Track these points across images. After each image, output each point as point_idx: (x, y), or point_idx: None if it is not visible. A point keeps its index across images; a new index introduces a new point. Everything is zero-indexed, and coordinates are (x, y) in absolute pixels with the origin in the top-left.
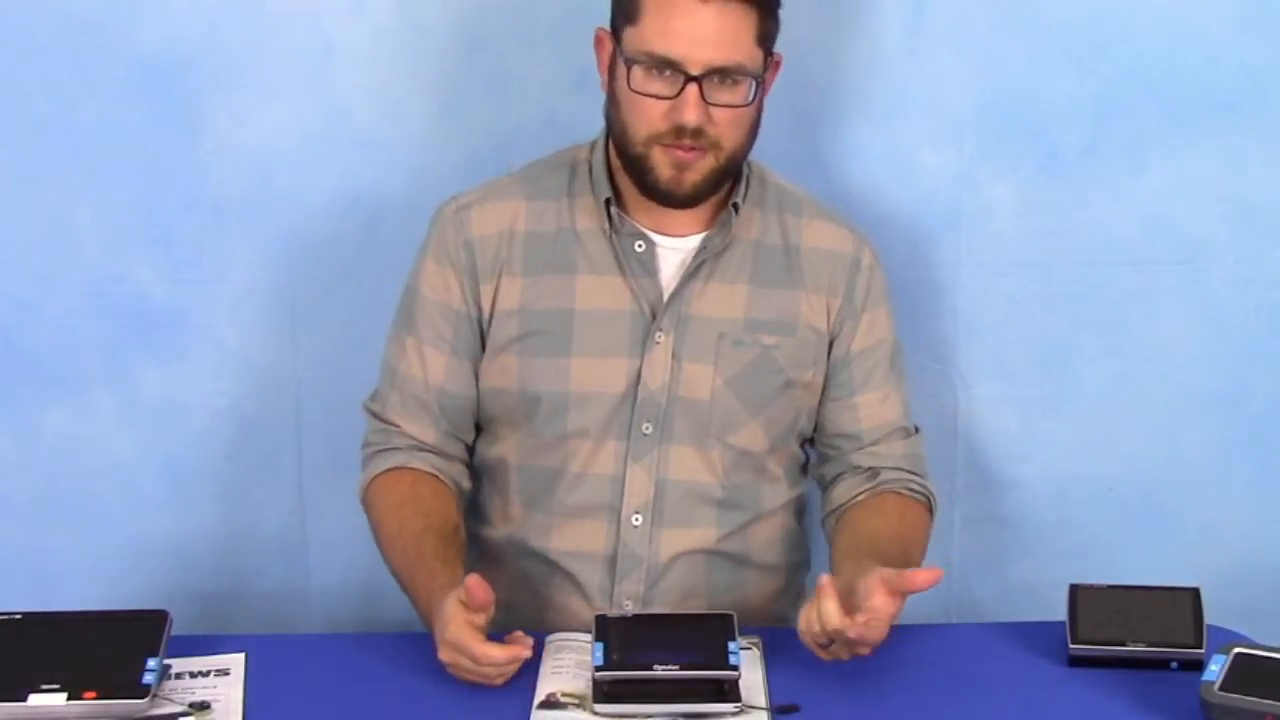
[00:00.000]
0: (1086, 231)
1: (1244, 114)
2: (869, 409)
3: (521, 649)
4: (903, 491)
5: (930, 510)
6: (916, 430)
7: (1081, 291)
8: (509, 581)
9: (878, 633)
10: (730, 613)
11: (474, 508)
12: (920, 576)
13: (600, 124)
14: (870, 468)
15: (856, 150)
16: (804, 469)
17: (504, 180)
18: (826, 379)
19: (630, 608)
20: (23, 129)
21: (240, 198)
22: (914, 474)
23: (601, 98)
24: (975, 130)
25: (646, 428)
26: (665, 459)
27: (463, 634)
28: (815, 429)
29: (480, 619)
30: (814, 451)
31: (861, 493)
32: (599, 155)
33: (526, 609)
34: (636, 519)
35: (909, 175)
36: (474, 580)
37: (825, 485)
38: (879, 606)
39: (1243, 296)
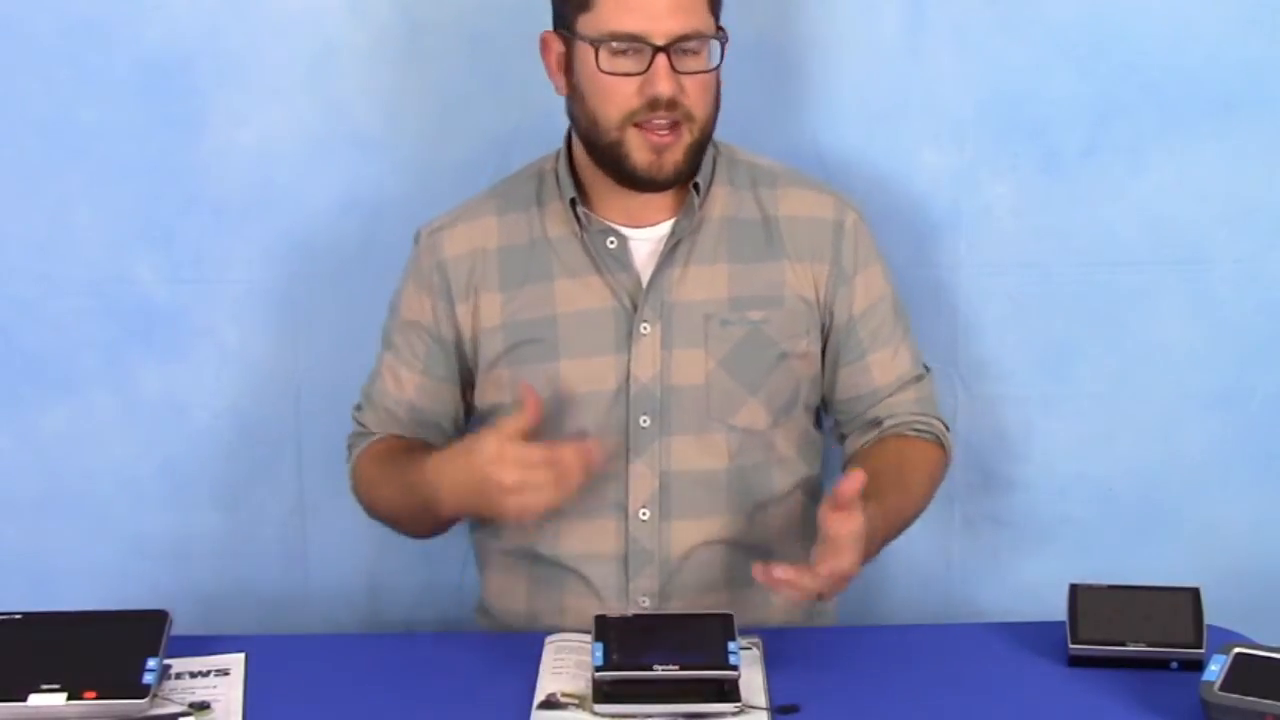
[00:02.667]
0: (1086, 231)
1: (1244, 114)
2: (881, 367)
3: (577, 444)
4: (907, 433)
5: (941, 445)
6: (927, 370)
7: (1081, 291)
8: (526, 590)
9: (845, 559)
10: (729, 613)
11: (487, 523)
12: (846, 483)
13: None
14: (877, 419)
15: (856, 150)
16: (815, 447)
17: (477, 199)
18: (836, 347)
19: (647, 604)
20: (23, 129)
21: (240, 198)
22: (921, 415)
23: None
24: (975, 130)
25: (644, 421)
26: (667, 450)
27: (500, 442)
28: (831, 396)
29: (524, 425)
30: (829, 418)
31: (867, 440)
32: (562, 160)
33: (545, 616)
34: (644, 514)
35: (909, 175)
36: (526, 389)
37: (842, 444)
38: (833, 534)
39: (1243, 296)
